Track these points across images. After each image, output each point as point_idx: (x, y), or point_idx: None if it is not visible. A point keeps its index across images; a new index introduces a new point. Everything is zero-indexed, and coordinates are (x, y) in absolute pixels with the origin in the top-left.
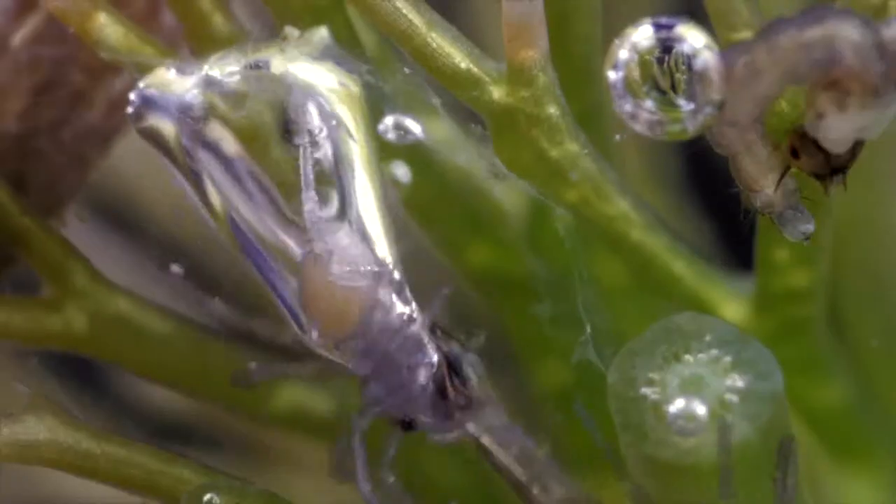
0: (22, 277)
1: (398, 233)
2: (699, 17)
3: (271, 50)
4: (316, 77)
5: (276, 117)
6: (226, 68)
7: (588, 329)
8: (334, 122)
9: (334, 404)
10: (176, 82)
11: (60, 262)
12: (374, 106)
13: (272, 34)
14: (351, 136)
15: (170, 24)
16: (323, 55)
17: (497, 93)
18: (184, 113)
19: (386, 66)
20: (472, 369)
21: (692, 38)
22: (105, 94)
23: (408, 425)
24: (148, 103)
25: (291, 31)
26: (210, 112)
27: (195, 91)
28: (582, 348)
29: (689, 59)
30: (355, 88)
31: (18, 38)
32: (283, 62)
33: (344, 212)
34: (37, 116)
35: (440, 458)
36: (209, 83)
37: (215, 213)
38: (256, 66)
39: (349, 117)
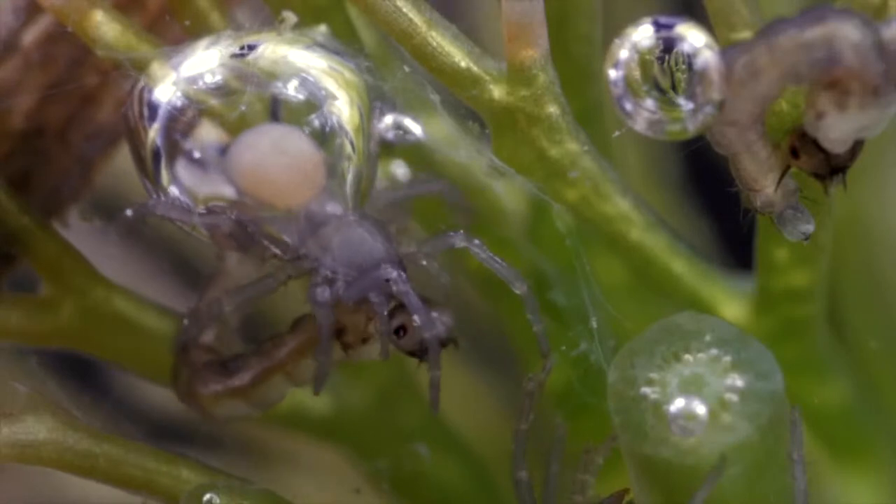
0: (20, 276)
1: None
2: (699, 17)
3: (267, 34)
4: (309, 61)
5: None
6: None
7: (594, 323)
8: (323, 93)
9: (334, 404)
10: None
11: (58, 261)
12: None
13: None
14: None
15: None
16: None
17: (497, 92)
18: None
19: (386, 65)
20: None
21: (692, 37)
22: (114, 95)
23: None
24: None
25: (289, 14)
26: (200, 112)
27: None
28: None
29: (689, 59)
30: (350, 75)
31: (30, 36)
32: (276, 46)
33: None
34: (45, 116)
35: (441, 457)
36: (193, 82)
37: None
38: (246, 49)
39: (343, 96)
